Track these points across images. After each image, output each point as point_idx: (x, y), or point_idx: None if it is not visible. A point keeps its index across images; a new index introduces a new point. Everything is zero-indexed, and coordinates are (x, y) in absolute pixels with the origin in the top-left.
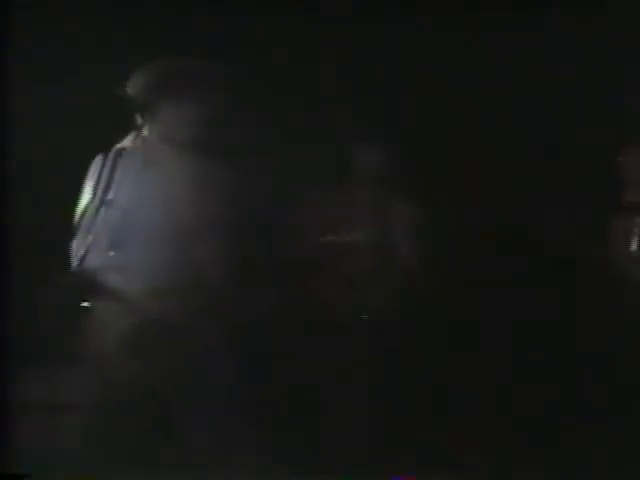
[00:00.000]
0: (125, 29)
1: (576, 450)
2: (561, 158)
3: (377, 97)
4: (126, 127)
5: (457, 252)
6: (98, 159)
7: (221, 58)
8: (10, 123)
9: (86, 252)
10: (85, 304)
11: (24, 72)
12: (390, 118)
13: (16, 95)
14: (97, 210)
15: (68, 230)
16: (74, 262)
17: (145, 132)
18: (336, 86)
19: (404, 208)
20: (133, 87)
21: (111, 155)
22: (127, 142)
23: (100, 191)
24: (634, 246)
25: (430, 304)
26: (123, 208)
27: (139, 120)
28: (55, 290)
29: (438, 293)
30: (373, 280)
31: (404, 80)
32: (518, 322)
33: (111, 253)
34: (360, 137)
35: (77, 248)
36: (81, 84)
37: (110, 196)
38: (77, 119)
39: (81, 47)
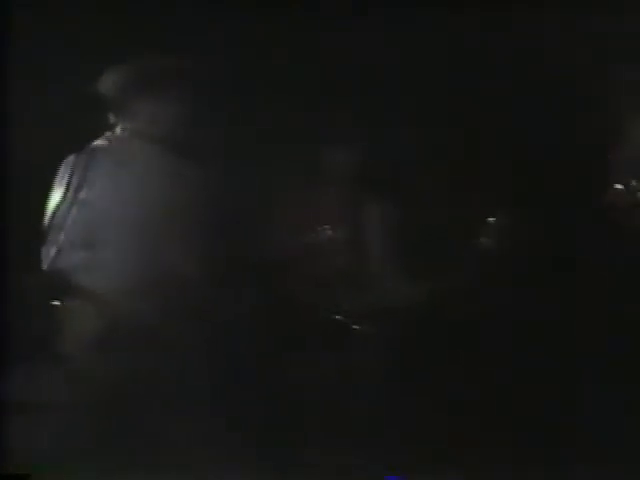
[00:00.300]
0: (125, 29)
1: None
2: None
3: (350, 97)
4: (99, 125)
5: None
6: (70, 158)
7: (195, 55)
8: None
9: (58, 251)
10: (56, 303)
11: (24, 72)
12: (362, 117)
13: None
14: (69, 209)
15: (40, 229)
16: (46, 261)
17: (118, 130)
18: (307, 86)
19: (378, 207)
20: (106, 85)
21: (83, 154)
22: (100, 140)
23: (72, 190)
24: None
25: (406, 303)
26: (96, 207)
27: (112, 118)
28: (26, 290)
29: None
30: (347, 279)
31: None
32: (484, 314)
33: (83, 252)
34: (332, 137)
35: (49, 247)
36: (80, 83)
37: (83, 195)
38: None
39: (81, 47)
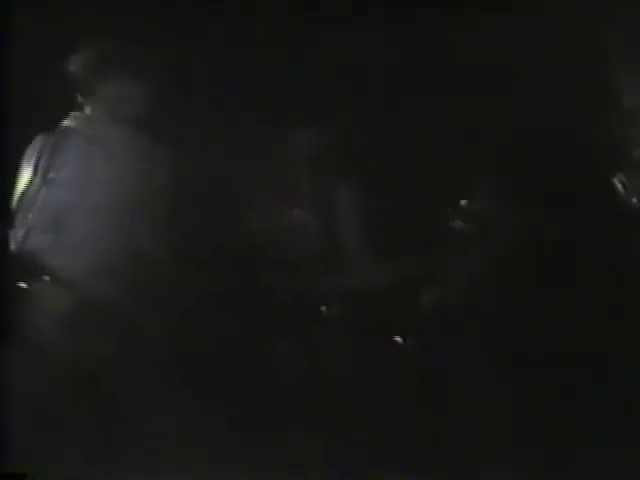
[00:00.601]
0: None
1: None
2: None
3: (321, 80)
4: (67, 106)
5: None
6: (39, 138)
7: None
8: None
9: (26, 233)
10: (23, 285)
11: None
12: (333, 101)
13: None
14: (38, 190)
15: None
16: (14, 243)
17: (87, 111)
18: (279, 69)
19: (349, 191)
20: (75, 66)
21: (53, 134)
22: (69, 121)
23: (41, 171)
24: None
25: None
26: (64, 188)
27: (80, 99)
28: None
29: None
30: (318, 262)
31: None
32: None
33: (52, 234)
34: (302, 121)
35: (17, 229)
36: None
37: (51, 176)
38: None
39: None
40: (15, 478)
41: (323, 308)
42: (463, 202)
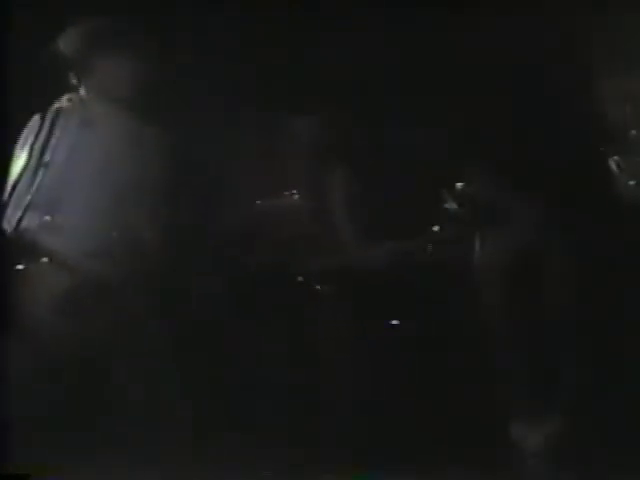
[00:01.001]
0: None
1: None
2: None
3: (319, 64)
4: (62, 87)
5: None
6: (34, 119)
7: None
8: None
9: (22, 215)
10: (20, 267)
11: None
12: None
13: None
14: (34, 172)
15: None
16: (10, 225)
17: (82, 91)
18: (276, 53)
19: (343, 172)
20: (68, 47)
21: (48, 115)
22: (63, 102)
23: (36, 152)
24: None
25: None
26: (60, 169)
27: (74, 80)
28: None
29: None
30: (311, 243)
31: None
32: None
33: (48, 215)
34: (298, 105)
35: (13, 210)
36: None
37: (47, 157)
38: None
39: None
40: (15, 478)
41: (317, 286)
42: (459, 185)
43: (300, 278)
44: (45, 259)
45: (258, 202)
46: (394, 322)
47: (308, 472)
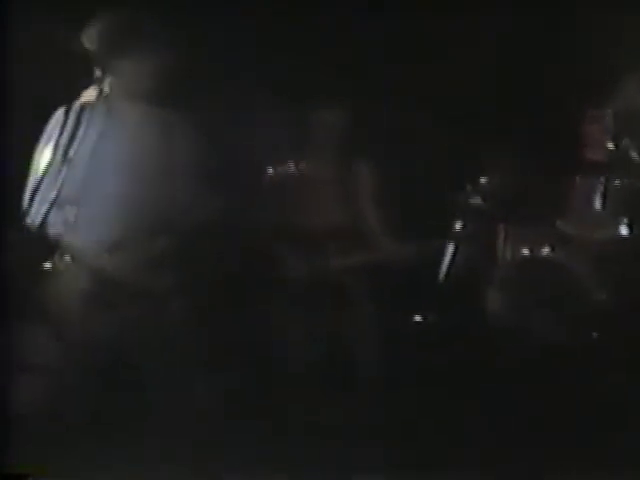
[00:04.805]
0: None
1: None
2: None
3: (345, 65)
4: (85, 82)
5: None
6: (58, 115)
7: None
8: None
9: (48, 210)
10: (48, 265)
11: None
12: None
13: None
14: (60, 167)
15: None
16: (36, 221)
17: (106, 87)
18: (301, 52)
19: (369, 168)
20: (92, 41)
21: (72, 111)
22: (87, 97)
23: (62, 147)
24: None
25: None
26: (86, 164)
27: (98, 75)
28: (17, 249)
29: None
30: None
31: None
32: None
33: (74, 210)
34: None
35: (40, 205)
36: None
37: (72, 152)
38: None
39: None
40: (15, 478)
41: (344, 280)
42: (483, 180)
43: (332, 276)
44: (68, 257)
45: (284, 197)
46: (419, 318)
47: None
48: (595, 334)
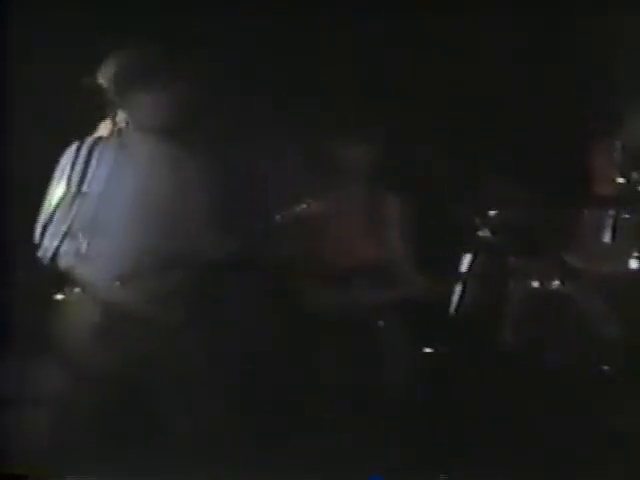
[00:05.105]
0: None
1: None
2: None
3: (363, 95)
4: (99, 117)
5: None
6: (71, 149)
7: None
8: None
9: (60, 243)
10: (59, 296)
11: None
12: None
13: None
14: (72, 200)
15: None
16: (48, 254)
17: (119, 121)
18: (319, 81)
19: (394, 203)
20: (106, 76)
21: (85, 145)
22: (101, 132)
23: (75, 181)
24: None
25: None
26: (99, 198)
27: (112, 110)
28: (28, 282)
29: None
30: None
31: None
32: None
33: (86, 243)
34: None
35: (51, 239)
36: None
37: (85, 186)
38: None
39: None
40: (15, 478)
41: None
42: (492, 213)
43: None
44: (78, 289)
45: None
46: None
47: None
48: (606, 367)
